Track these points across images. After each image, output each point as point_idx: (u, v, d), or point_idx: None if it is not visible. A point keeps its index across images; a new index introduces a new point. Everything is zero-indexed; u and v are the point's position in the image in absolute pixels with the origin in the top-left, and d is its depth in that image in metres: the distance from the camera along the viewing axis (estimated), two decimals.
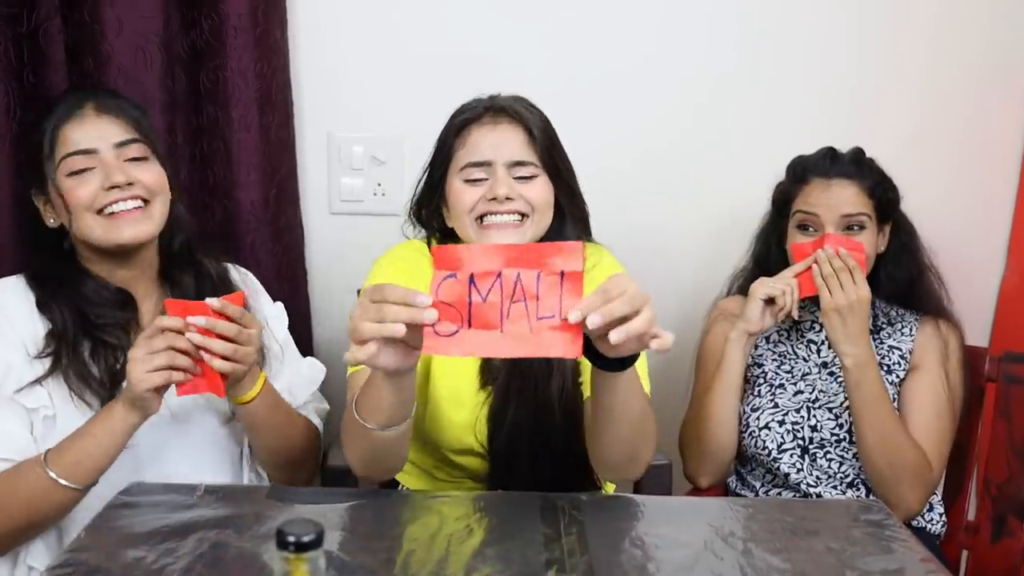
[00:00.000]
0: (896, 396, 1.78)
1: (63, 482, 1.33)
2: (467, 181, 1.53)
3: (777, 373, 1.84)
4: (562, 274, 1.12)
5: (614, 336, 1.10)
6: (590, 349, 1.23)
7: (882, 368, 1.79)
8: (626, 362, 1.23)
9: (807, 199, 1.80)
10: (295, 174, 2.06)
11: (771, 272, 1.85)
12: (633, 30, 2.09)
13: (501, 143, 1.53)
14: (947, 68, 2.12)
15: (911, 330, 1.83)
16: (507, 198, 1.50)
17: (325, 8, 2.06)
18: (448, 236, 1.62)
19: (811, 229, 1.79)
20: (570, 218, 1.59)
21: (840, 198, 1.77)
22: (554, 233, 1.57)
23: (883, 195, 1.81)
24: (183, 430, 1.47)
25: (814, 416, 1.78)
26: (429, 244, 1.63)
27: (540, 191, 1.53)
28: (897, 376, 1.80)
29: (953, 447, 1.83)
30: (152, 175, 1.48)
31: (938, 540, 1.82)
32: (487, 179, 1.53)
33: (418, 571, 1.18)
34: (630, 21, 2.09)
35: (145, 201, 1.48)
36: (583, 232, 1.62)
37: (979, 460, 1.89)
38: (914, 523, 1.78)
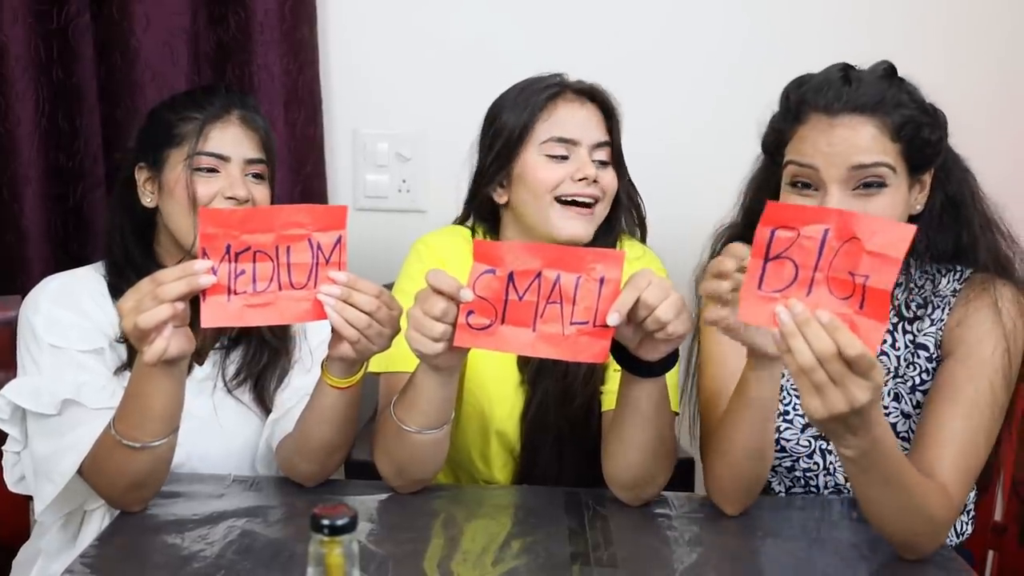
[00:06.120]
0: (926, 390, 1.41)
1: (136, 445, 1.24)
2: (549, 157, 1.49)
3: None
4: (601, 280, 1.14)
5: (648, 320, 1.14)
6: (624, 355, 1.23)
7: (906, 381, 1.44)
8: (659, 367, 1.23)
9: (802, 144, 1.29)
10: (322, 172, 2.07)
11: None
12: (651, 27, 2.09)
13: (588, 123, 1.51)
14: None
15: (944, 312, 1.40)
16: (593, 180, 1.48)
17: (351, 6, 2.07)
18: (495, 221, 1.59)
19: (810, 187, 1.28)
20: (625, 211, 1.58)
21: (847, 143, 1.25)
22: (607, 224, 1.55)
23: (915, 135, 1.27)
24: (217, 428, 1.48)
25: None
26: (473, 232, 1.60)
27: (613, 179, 1.52)
28: (923, 381, 1.43)
29: None
30: (263, 196, 1.51)
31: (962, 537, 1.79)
32: (567, 157, 1.49)
33: (444, 562, 1.19)
34: (646, 17, 2.08)
35: None
36: (637, 227, 1.61)
37: (1006, 460, 1.87)
38: None
